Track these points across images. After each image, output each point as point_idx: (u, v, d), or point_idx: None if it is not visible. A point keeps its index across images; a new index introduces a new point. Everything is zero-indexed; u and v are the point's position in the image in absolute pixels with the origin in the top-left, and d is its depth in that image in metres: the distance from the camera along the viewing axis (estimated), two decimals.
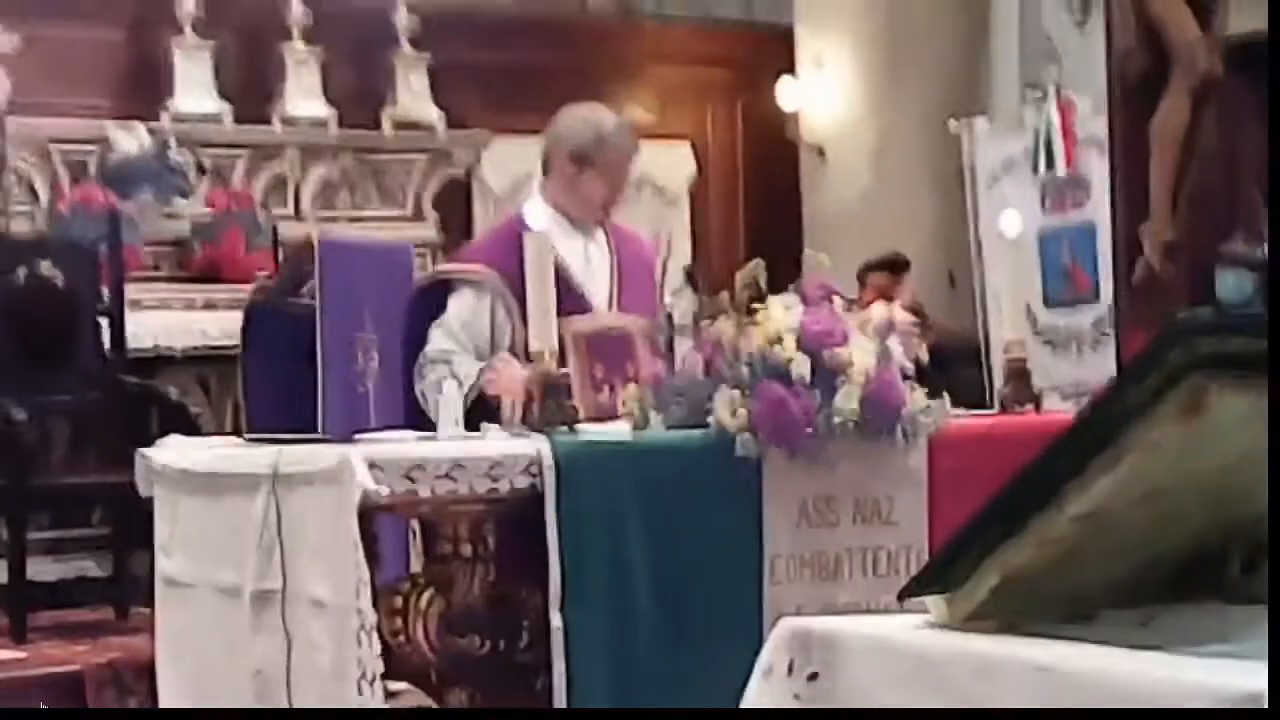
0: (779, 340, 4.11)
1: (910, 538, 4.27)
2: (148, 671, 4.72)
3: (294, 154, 9.36)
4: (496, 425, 4.29)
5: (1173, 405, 1.92)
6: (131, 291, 7.47)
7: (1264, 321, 1.90)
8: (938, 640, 2.10)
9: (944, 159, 10.00)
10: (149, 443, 4.62)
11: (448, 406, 4.32)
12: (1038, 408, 4.78)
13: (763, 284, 4.25)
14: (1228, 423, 1.93)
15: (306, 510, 3.88)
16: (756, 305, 4.19)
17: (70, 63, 8.87)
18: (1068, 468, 2.01)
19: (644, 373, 4.64)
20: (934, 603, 2.16)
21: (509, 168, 9.87)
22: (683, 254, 10.05)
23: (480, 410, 4.48)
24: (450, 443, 4.11)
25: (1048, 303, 9.20)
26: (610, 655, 3.94)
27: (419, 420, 4.63)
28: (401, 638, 3.96)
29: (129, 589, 6.54)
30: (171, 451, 4.49)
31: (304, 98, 9.42)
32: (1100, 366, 8.56)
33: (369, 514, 3.81)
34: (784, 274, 4.43)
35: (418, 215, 9.65)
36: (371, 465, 3.75)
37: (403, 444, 4.06)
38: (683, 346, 4.42)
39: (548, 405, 4.06)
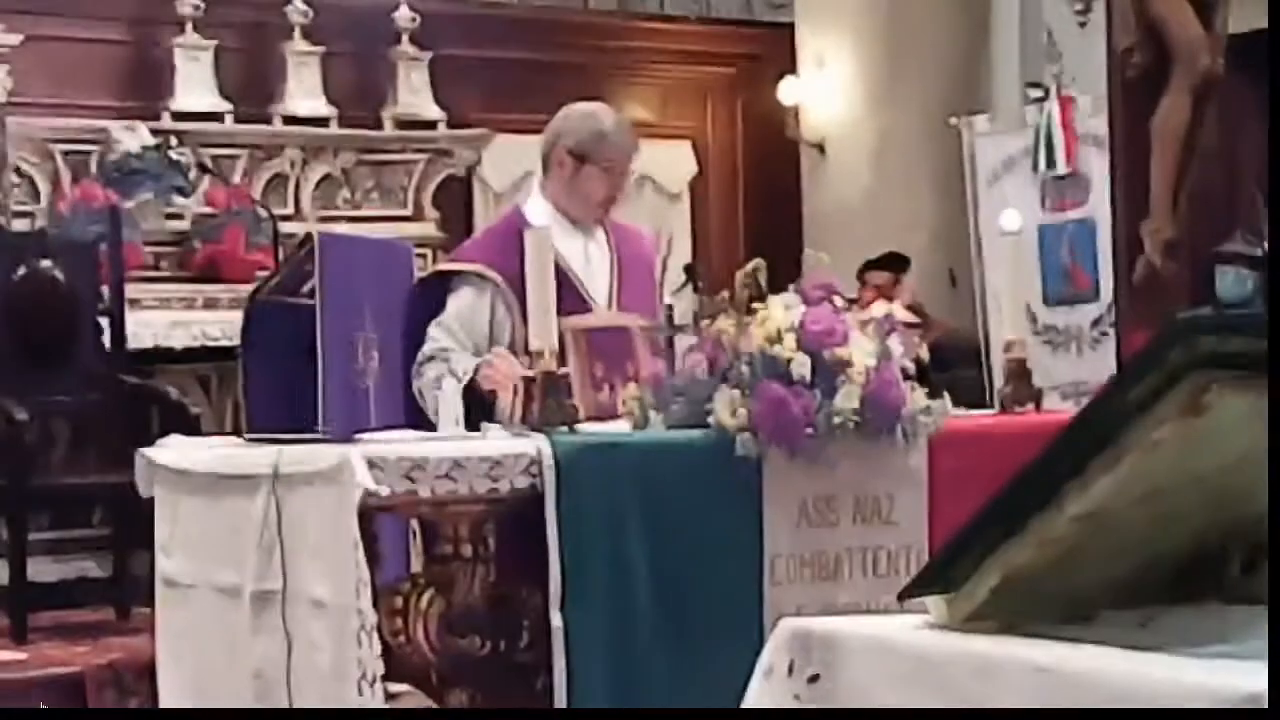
0: (779, 339, 4.11)
1: (910, 538, 4.27)
2: (148, 672, 4.72)
3: (294, 152, 9.37)
4: (497, 425, 4.28)
5: (1173, 405, 1.91)
6: (132, 290, 7.49)
7: (1264, 321, 1.89)
8: (938, 641, 2.10)
9: (944, 157, 10.00)
10: (149, 442, 4.62)
11: (448, 406, 4.32)
12: (1038, 407, 4.77)
13: (763, 283, 4.25)
14: (1228, 422, 1.93)
15: (307, 510, 3.88)
16: (757, 305, 4.19)
17: (71, 61, 8.88)
18: (1068, 467, 2.01)
19: (644, 372, 4.64)
20: (934, 603, 2.15)
21: (509, 166, 9.88)
22: (683, 252, 10.05)
23: (478, 409, 4.47)
24: (450, 442, 4.11)
25: (1047, 301, 9.19)
26: (610, 655, 3.94)
27: (419, 419, 4.63)
28: (402, 638, 3.96)
29: (129, 589, 6.55)
30: (172, 451, 4.48)
31: (305, 96, 9.43)
32: (1099, 365, 8.55)
33: (369, 514, 3.81)
34: (784, 273, 4.43)
35: (418, 214, 9.65)
36: (371, 465, 3.75)
37: (403, 444, 4.05)
38: (683, 345, 4.41)
39: (548, 404, 4.05)
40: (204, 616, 4.23)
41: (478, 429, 4.26)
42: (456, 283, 4.90)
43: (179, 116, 8.98)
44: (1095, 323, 9.05)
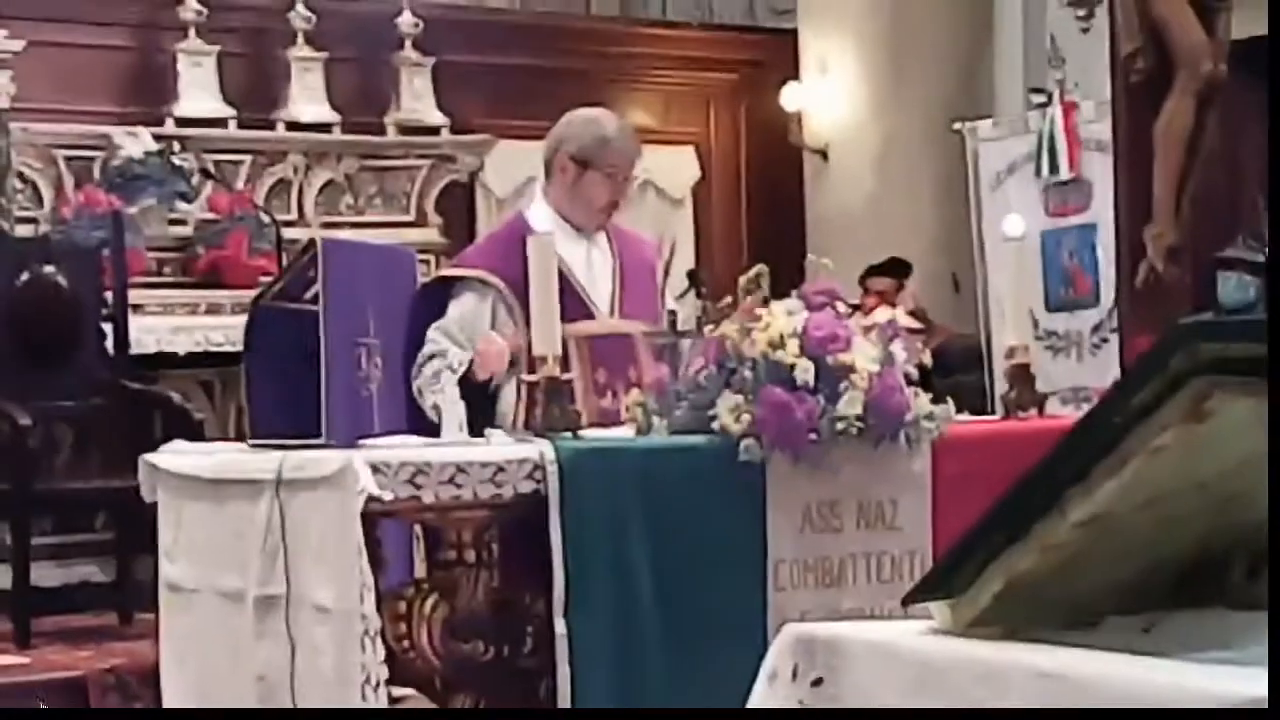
0: (782, 345, 4.11)
1: (914, 543, 4.27)
2: (151, 677, 4.72)
3: (297, 158, 9.37)
4: (500, 430, 4.29)
5: (1175, 410, 1.92)
6: (135, 296, 7.49)
7: (1266, 326, 1.89)
8: (941, 646, 2.10)
9: (947, 163, 10.00)
10: (152, 447, 4.62)
11: (450, 411, 4.32)
12: (1041, 412, 4.77)
13: (765, 288, 4.25)
14: (1230, 428, 1.93)
15: (310, 515, 3.88)
16: (759, 310, 4.19)
17: (74, 67, 8.88)
18: (1071, 473, 2.01)
19: (647, 378, 4.63)
20: (938, 609, 2.16)
21: (512, 172, 9.87)
22: (685, 258, 10.04)
23: (477, 401, 4.47)
24: (453, 447, 4.11)
25: (1049, 306, 9.19)
26: (614, 660, 3.94)
27: (422, 424, 4.63)
28: (405, 643, 3.96)
29: (132, 594, 6.55)
30: (175, 456, 4.49)
31: (308, 102, 9.43)
32: (1101, 371, 8.55)
33: (372, 519, 3.81)
34: (787, 278, 4.43)
35: (421, 219, 9.65)
36: (375, 470, 3.75)
37: (406, 449, 4.06)
38: (686, 351, 4.41)
39: (550, 410, 4.05)
40: (207, 621, 4.23)
41: (481, 434, 4.27)
42: (459, 288, 4.91)
43: (182, 122, 8.98)
44: (1097, 328, 9.04)
